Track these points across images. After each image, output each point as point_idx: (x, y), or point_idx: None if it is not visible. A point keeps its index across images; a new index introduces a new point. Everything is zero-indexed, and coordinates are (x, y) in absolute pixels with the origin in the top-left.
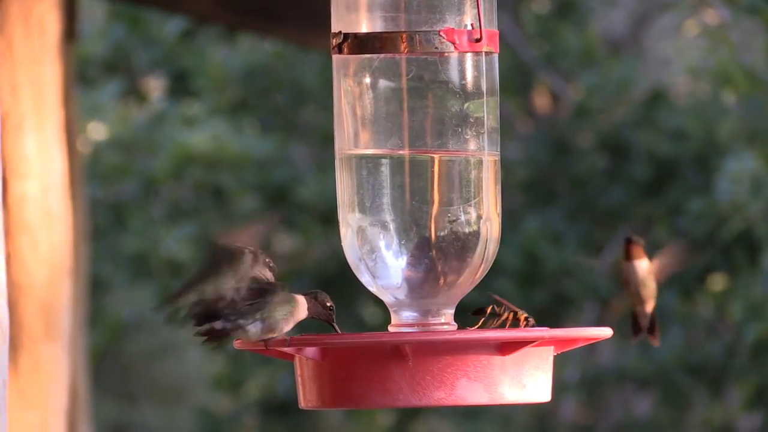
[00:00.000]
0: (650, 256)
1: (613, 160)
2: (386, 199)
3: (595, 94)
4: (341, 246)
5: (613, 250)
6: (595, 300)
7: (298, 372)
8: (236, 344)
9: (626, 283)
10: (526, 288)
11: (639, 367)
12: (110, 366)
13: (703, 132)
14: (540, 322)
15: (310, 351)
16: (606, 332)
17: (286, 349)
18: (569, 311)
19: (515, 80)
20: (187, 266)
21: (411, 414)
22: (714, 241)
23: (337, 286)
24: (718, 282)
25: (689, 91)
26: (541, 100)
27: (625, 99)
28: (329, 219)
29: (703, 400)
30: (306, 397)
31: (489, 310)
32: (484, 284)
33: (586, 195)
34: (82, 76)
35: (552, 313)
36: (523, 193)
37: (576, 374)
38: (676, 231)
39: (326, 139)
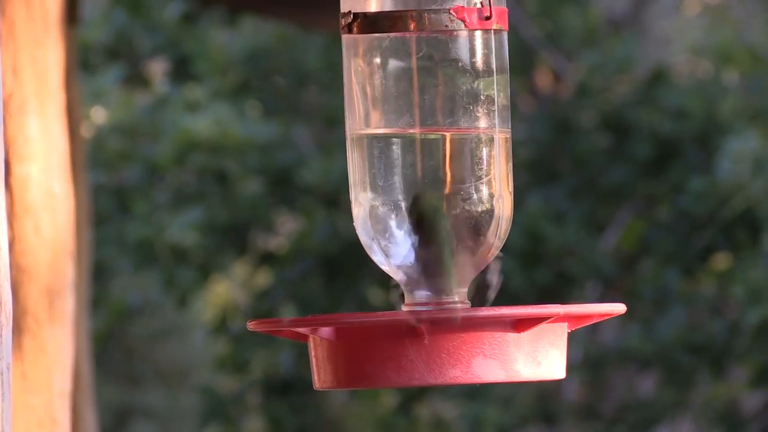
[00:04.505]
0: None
1: (614, 139)
2: (398, 178)
3: (597, 73)
4: (345, 228)
5: (615, 229)
6: (597, 279)
7: (312, 353)
8: (250, 326)
9: None
10: (529, 267)
11: (642, 346)
12: (114, 349)
13: (704, 111)
14: (543, 301)
15: (325, 331)
16: (620, 308)
17: (301, 330)
18: (572, 290)
19: (517, 60)
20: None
21: (415, 395)
22: (715, 220)
23: (341, 267)
24: (720, 261)
25: (691, 69)
26: (542, 80)
27: (627, 78)
28: (333, 201)
29: (706, 379)
30: (321, 378)
31: None
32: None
33: (589, 174)
34: (85, 62)
35: (555, 292)
36: (526, 173)
37: (578, 354)
38: (678, 210)
39: (329, 122)
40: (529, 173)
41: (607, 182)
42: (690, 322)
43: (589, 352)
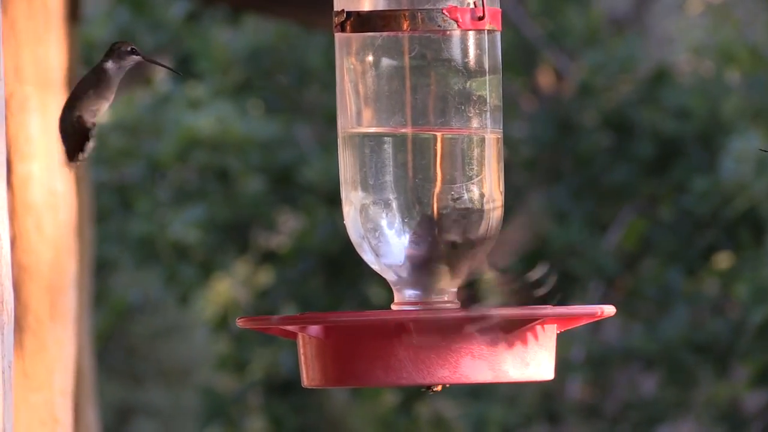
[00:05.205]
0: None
1: (617, 139)
2: (389, 178)
3: (599, 72)
4: (345, 225)
5: (618, 228)
6: (600, 279)
7: (301, 350)
8: (239, 323)
9: None
10: (531, 267)
11: (645, 346)
12: (116, 347)
13: (706, 110)
14: (546, 302)
15: (314, 329)
16: (609, 310)
17: (289, 328)
18: (574, 290)
19: (519, 59)
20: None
21: (416, 394)
22: (718, 219)
23: (342, 266)
24: (723, 260)
25: (693, 69)
26: (545, 79)
27: (629, 77)
28: (334, 199)
29: (708, 378)
30: (309, 376)
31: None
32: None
33: (591, 173)
34: (88, 60)
35: (557, 292)
36: (528, 172)
37: (582, 353)
38: (681, 209)
39: (331, 120)
40: (532, 173)
41: (610, 182)
42: (693, 322)
43: (592, 351)
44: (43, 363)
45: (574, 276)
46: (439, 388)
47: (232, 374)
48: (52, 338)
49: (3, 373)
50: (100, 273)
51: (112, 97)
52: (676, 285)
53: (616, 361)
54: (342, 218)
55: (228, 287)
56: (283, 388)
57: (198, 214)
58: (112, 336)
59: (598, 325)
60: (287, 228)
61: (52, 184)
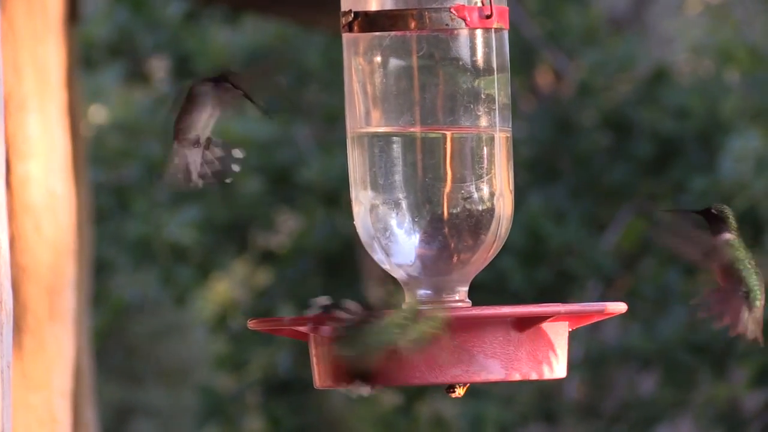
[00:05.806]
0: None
1: (616, 138)
2: (399, 177)
3: (598, 72)
4: (345, 226)
5: (616, 228)
6: (598, 278)
7: (313, 351)
8: (251, 324)
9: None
10: (530, 266)
11: (643, 345)
12: (114, 347)
13: (706, 110)
14: (543, 300)
15: (326, 330)
16: (621, 307)
17: (301, 329)
18: (572, 289)
19: (518, 58)
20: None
21: (416, 393)
22: None
23: (341, 266)
24: None
25: (692, 68)
26: (543, 79)
27: (628, 77)
28: (333, 199)
29: (707, 379)
30: (321, 377)
31: None
32: (492, 262)
33: (590, 173)
34: (87, 59)
35: (555, 291)
36: (526, 171)
37: (580, 353)
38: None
39: (329, 120)
40: (530, 172)
41: (608, 181)
42: (691, 322)
43: (590, 350)
44: (42, 363)
45: (572, 276)
46: (462, 390)
47: (230, 374)
48: (51, 338)
49: (2, 373)
50: (98, 274)
51: (212, 111)
52: (674, 285)
53: (614, 361)
54: (343, 218)
55: (227, 287)
56: (282, 387)
57: (194, 215)
58: (110, 336)
59: (597, 324)
60: (286, 228)
61: (50, 184)
